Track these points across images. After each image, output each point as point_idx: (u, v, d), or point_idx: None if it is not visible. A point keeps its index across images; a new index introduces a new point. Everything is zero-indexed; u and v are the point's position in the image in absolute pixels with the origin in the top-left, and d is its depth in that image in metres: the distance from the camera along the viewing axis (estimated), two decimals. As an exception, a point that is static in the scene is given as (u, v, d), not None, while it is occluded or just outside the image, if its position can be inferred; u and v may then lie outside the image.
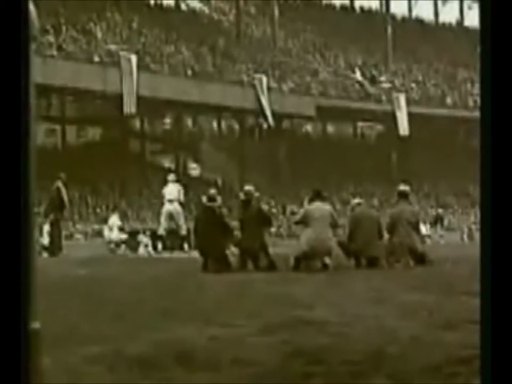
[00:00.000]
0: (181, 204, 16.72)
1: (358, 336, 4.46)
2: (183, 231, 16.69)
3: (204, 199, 10.86)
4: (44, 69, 25.05)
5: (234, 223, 10.97)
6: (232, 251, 10.34)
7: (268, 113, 35.57)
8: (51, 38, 30.49)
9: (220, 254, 9.88)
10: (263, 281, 8.06)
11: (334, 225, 10.29)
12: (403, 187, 11.34)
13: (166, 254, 17.09)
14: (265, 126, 38.20)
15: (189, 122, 40.48)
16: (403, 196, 11.12)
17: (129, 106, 30.14)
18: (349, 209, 11.44)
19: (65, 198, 15.44)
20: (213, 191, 11.13)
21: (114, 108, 32.12)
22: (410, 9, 51.80)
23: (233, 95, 35.08)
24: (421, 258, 10.49)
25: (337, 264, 10.00)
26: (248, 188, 10.80)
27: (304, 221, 10.26)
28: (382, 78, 42.64)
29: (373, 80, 42.23)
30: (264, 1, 44.64)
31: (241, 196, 10.98)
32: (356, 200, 11.41)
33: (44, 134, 32.64)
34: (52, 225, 15.76)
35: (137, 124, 37.56)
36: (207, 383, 3.49)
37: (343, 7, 50.63)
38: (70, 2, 32.94)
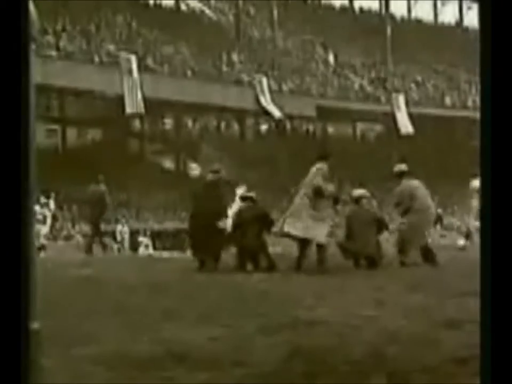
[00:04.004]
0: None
1: (359, 336, 4.46)
2: None
3: (210, 176, 10.56)
4: (44, 69, 25.05)
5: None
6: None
7: (272, 109, 35.62)
8: (51, 39, 30.51)
9: (213, 225, 9.65)
10: (264, 281, 8.06)
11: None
12: (399, 167, 10.84)
13: (166, 254, 17.08)
14: (263, 126, 38.24)
15: (189, 122, 40.50)
16: (401, 175, 10.60)
17: (131, 106, 30.17)
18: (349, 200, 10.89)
19: (108, 200, 15.55)
20: (217, 165, 10.87)
21: (114, 108, 32.13)
22: (409, 10, 51.84)
23: (233, 95, 35.11)
24: (430, 256, 10.10)
25: (336, 264, 9.96)
26: (249, 193, 10.64)
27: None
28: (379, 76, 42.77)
29: (383, 82, 42.36)
30: (263, 2, 44.65)
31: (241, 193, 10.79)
32: (359, 191, 10.75)
33: (43, 134, 32.65)
34: (93, 226, 15.78)
35: (137, 124, 37.58)
36: (208, 383, 3.49)
37: (342, 8, 50.66)
38: (70, 2, 32.95)
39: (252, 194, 10.48)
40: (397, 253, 10.35)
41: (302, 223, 9.24)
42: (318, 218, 9.20)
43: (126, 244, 25.43)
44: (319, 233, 9.12)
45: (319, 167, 9.54)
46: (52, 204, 27.90)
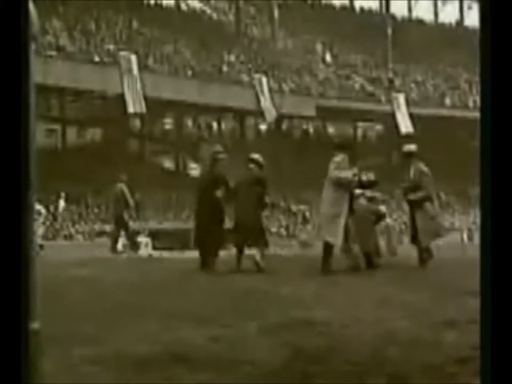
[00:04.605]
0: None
1: (359, 337, 4.46)
2: None
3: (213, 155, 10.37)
4: (44, 69, 25.05)
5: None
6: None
7: (268, 112, 35.64)
8: (51, 38, 30.51)
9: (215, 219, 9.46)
10: (264, 282, 8.06)
11: None
12: (409, 147, 10.17)
13: (166, 254, 17.08)
14: (264, 126, 38.25)
15: (189, 122, 40.48)
16: (410, 155, 9.93)
17: (133, 106, 30.19)
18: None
19: (129, 198, 15.87)
20: (219, 147, 10.70)
21: (114, 108, 32.13)
22: (410, 9, 51.86)
23: (233, 95, 35.11)
24: (428, 256, 9.73)
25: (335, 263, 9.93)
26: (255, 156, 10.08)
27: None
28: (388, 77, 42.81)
29: (389, 82, 42.42)
30: (264, 1, 44.64)
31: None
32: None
33: (44, 134, 32.64)
34: (118, 223, 16.19)
35: (137, 123, 37.56)
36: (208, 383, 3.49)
37: (343, 7, 50.66)
38: (70, 2, 32.96)
39: (259, 157, 10.06)
40: (417, 254, 9.83)
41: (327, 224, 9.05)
42: (334, 215, 8.89)
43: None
44: (331, 232, 8.90)
45: (335, 158, 9.25)
46: (62, 203, 28.10)
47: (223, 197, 9.64)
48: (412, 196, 9.86)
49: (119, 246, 23.91)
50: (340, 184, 8.99)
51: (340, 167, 9.08)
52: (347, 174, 9.03)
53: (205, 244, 9.60)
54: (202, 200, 9.73)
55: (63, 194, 28.10)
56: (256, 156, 10.14)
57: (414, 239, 9.93)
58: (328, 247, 8.97)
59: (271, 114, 35.89)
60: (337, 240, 8.86)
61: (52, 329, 3.33)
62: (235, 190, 9.73)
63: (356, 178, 9.13)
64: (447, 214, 38.04)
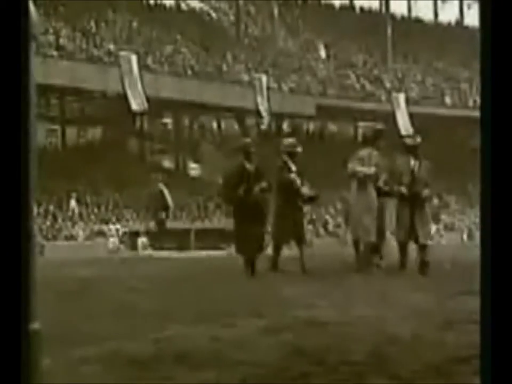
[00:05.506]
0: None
1: (359, 336, 4.46)
2: None
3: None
4: (44, 69, 25.05)
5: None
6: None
7: (264, 114, 35.68)
8: (51, 38, 30.51)
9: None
10: (266, 281, 8.06)
11: None
12: (414, 138, 9.31)
13: (166, 253, 17.09)
14: (264, 126, 38.27)
15: (189, 121, 40.47)
16: (414, 149, 9.01)
17: (135, 106, 30.22)
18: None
19: (169, 199, 16.13)
20: (248, 140, 9.99)
21: (114, 107, 32.13)
22: (409, 9, 51.83)
23: (233, 95, 35.10)
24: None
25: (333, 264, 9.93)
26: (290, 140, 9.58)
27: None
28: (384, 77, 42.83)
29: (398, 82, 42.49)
30: (264, 1, 44.64)
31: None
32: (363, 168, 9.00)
33: (44, 134, 32.64)
34: (158, 224, 16.54)
35: (137, 123, 37.56)
36: (208, 383, 3.49)
37: (342, 7, 50.63)
38: (70, 2, 32.94)
39: (294, 144, 9.46)
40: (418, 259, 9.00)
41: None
42: (362, 214, 8.81)
43: (126, 242, 25.40)
44: (363, 230, 8.85)
45: (360, 152, 9.03)
46: (73, 203, 28.17)
47: (264, 192, 8.82)
48: (414, 192, 8.99)
49: (111, 245, 24.05)
50: (356, 178, 8.86)
51: (361, 162, 8.89)
52: (363, 169, 8.82)
53: (248, 244, 8.74)
54: (240, 196, 8.72)
55: (74, 194, 28.17)
56: (289, 141, 9.49)
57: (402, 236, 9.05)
58: (359, 245, 8.91)
59: (265, 115, 35.96)
60: (371, 238, 8.78)
61: (52, 329, 3.33)
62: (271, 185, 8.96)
63: (373, 177, 8.83)
64: (447, 214, 38.04)
